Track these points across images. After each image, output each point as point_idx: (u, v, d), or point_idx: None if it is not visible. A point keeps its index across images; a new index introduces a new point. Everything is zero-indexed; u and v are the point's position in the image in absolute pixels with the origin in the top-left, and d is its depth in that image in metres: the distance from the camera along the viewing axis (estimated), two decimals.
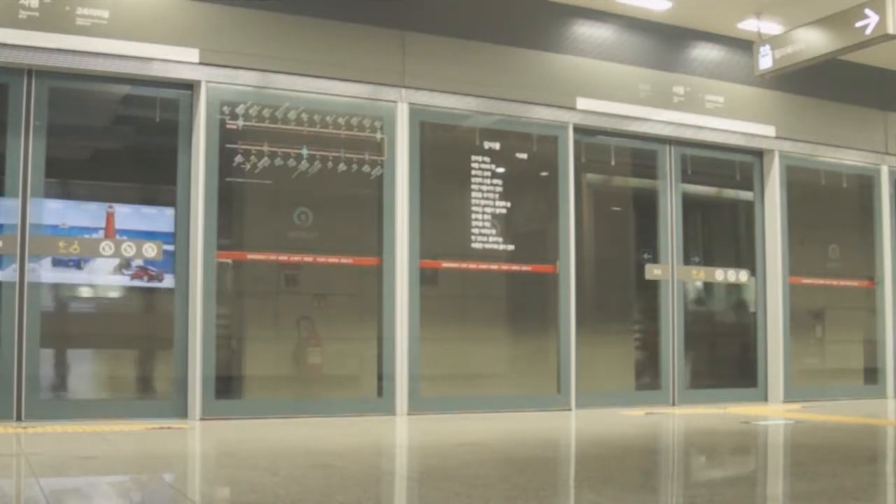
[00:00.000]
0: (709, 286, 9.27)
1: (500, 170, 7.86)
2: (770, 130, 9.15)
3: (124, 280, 6.75)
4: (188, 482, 4.31)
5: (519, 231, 7.94)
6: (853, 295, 9.70)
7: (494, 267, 7.82)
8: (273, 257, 7.06)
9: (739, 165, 9.25)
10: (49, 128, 6.47)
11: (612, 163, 8.66)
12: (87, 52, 6.45)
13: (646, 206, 8.86)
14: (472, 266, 7.72)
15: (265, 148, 7.01)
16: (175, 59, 6.72)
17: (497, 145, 7.88)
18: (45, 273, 6.43)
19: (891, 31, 7.08)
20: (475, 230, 7.72)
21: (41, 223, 6.41)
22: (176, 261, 6.78)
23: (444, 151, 7.83)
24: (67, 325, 6.76)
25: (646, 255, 8.67)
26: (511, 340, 8.11)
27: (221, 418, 6.62)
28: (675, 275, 8.68)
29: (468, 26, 7.77)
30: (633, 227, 9.06)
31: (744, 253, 9.38)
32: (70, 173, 6.91)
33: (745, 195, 9.39)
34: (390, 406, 7.22)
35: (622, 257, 8.84)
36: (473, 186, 7.75)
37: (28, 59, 6.34)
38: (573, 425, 7.02)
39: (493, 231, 7.78)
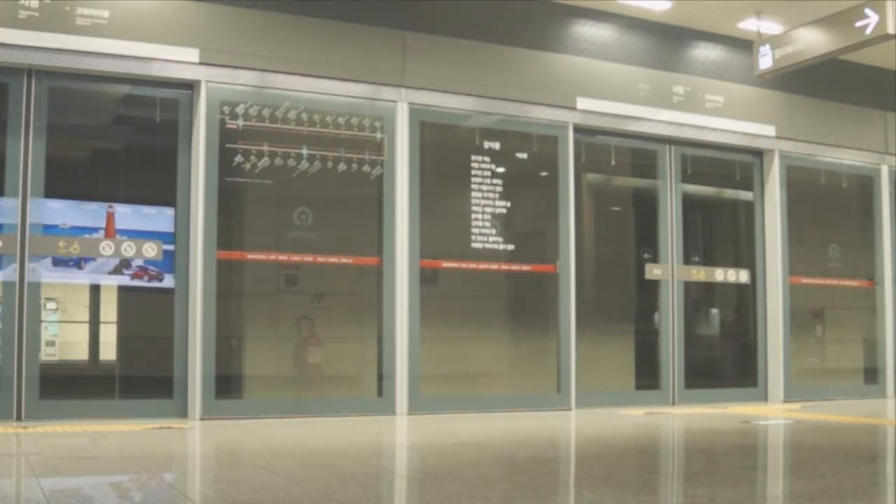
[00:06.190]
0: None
1: (500, 169, 7.85)
2: (770, 130, 9.15)
3: (124, 280, 6.75)
4: (188, 482, 4.31)
5: (519, 231, 7.94)
6: (853, 295, 9.70)
7: (494, 267, 7.81)
8: (273, 257, 7.06)
9: (739, 165, 9.25)
10: (49, 128, 6.47)
11: (612, 163, 8.66)
12: (87, 52, 6.45)
13: (646, 206, 8.86)
14: (472, 266, 7.72)
15: (265, 148, 7.01)
16: (175, 59, 6.72)
17: (497, 145, 7.87)
18: (46, 273, 6.44)
19: (891, 31, 7.08)
20: (475, 230, 7.72)
21: (41, 223, 6.41)
22: (176, 261, 6.78)
23: (444, 151, 7.83)
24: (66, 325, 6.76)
25: (646, 255, 8.67)
26: (511, 340, 8.11)
27: (221, 418, 6.62)
28: (675, 275, 8.67)
29: (468, 26, 7.77)
30: (633, 226, 9.06)
31: (744, 253, 9.38)
32: (70, 173, 6.92)
33: (745, 195, 9.39)
34: (390, 406, 7.22)
35: (622, 257, 8.84)
36: (473, 186, 7.75)
37: (28, 59, 6.34)
38: (573, 425, 7.02)
39: (493, 231, 7.78)
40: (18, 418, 6.23)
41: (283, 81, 7.07)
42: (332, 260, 7.22)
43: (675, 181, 8.79)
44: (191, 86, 6.86)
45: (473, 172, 7.76)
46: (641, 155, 8.77)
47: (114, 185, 7.29)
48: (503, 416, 7.23)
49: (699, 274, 8.93)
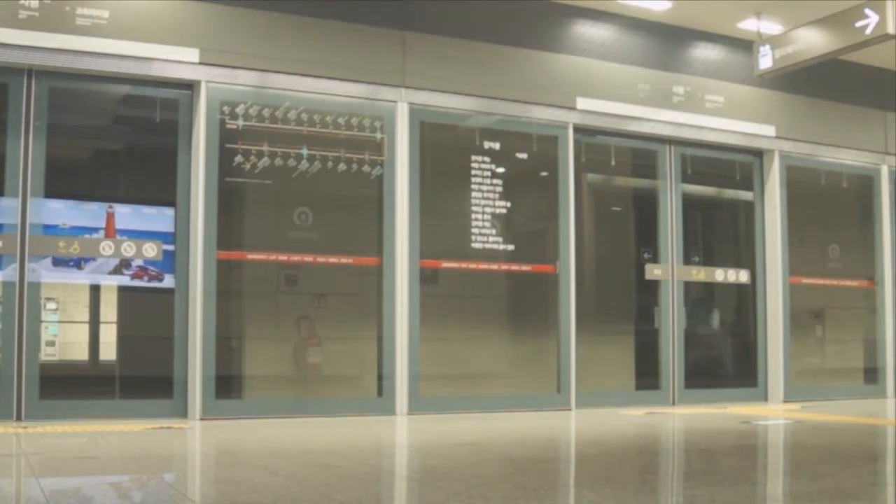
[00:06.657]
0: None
1: (500, 170, 7.85)
2: (770, 130, 9.15)
3: (124, 280, 6.75)
4: (188, 482, 4.31)
5: (519, 231, 7.94)
6: (853, 295, 9.70)
7: (494, 267, 7.81)
8: (273, 257, 7.06)
9: (739, 165, 9.25)
10: (49, 128, 6.47)
11: (612, 163, 8.66)
12: (87, 52, 6.45)
13: (646, 206, 8.86)
14: (472, 266, 7.72)
15: (265, 148, 7.01)
16: (175, 59, 6.72)
17: (497, 145, 7.87)
18: (46, 273, 6.44)
19: (891, 31, 7.08)
20: (475, 230, 7.72)
21: (41, 223, 6.41)
22: (176, 261, 6.78)
23: (444, 151, 7.83)
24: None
25: (646, 255, 8.67)
26: (511, 340, 8.11)
27: (221, 418, 6.62)
28: (675, 275, 8.67)
29: (468, 26, 7.77)
30: (633, 227, 9.06)
31: (744, 253, 9.38)
32: (70, 173, 6.92)
33: (745, 195, 9.39)
34: (390, 406, 7.22)
35: (622, 257, 8.84)
36: (473, 186, 7.75)
37: (28, 59, 6.34)
38: (573, 425, 7.02)
39: (493, 231, 7.78)
40: (18, 418, 6.23)
41: (282, 81, 7.07)
42: (332, 260, 7.22)
43: (675, 181, 8.79)
44: (191, 86, 6.86)
45: (473, 172, 7.76)
46: (641, 155, 8.77)
47: (114, 185, 7.29)
48: (503, 416, 7.23)
49: (699, 274, 8.94)
